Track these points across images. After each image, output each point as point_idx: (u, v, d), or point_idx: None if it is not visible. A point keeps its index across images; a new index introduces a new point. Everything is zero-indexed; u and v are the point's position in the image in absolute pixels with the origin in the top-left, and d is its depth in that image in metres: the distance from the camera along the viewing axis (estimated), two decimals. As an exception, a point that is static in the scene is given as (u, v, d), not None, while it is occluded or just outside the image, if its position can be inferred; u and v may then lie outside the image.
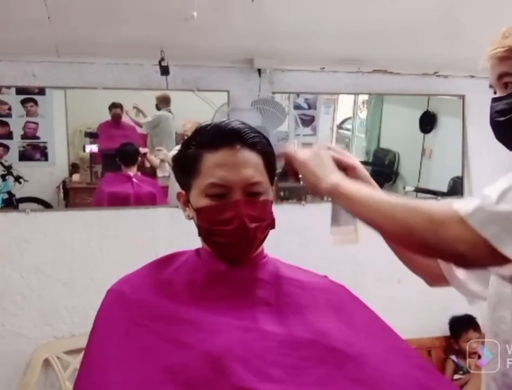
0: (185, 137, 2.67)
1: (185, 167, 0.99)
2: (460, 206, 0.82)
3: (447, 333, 2.76)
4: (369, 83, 2.80)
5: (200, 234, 1.00)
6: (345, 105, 3.23)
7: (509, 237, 0.75)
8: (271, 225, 0.99)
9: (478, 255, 0.78)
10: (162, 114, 2.77)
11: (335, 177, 0.96)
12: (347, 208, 0.95)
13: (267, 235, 1.00)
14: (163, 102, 2.75)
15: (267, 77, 2.56)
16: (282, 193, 2.88)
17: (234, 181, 0.93)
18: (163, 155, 2.69)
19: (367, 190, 0.94)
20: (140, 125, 2.78)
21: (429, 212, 0.83)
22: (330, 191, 0.96)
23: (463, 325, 2.66)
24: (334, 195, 0.96)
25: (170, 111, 2.77)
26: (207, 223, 0.96)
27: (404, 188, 3.08)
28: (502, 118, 0.97)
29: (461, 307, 2.53)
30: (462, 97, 2.86)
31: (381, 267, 2.63)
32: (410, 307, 2.61)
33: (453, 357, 2.68)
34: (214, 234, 0.96)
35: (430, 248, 0.84)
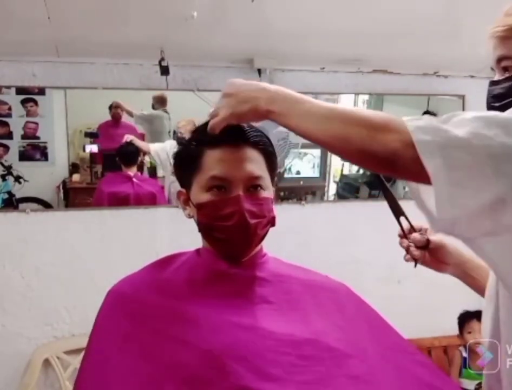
0: (179, 135, 2.70)
1: (186, 164, 0.99)
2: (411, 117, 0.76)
3: (447, 333, 2.76)
4: (369, 83, 2.80)
5: (200, 230, 1.00)
6: (345, 105, 3.24)
7: (437, 151, 0.70)
8: (272, 222, 0.99)
9: (407, 158, 0.72)
10: (157, 113, 2.78)
11: (266, 95, 0.86)
12: (284, 125, 0.86)
13: (267, 232, 1.00)
14: (159, 102, 2.75)
15: (267, 77, 2.56)
16: (282, 193, 2.88)
17: (235, 176, 0.94)
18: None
19: (302, 104, 0.83)
20: (131, 115, 2.78)
21: (366, 118, 0.76)
22: (269, 113, 0.86)
23: (467, 316, 2.63)
24: (273, 117, 0.86)
25: (166, 111, 2.77)
26: (207, 219, 0.96)
27: (404, 188, 3.08)
28: (497, 104, 0.93)
29: (462, 307, 2.54)
30: (462, 97, 2.86)
31: (381, 267, 2.63)
32: (410, 307, 2.61)
33: (462, 349, 2.65)
34: (214, 229, 0.96)
35: (367, 155, 0.76)
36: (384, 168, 0.77)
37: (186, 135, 2.67)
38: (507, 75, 0.91)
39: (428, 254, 1.06)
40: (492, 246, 0.80)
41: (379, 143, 0.74)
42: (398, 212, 1.03)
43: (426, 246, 1.04)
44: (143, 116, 2.79)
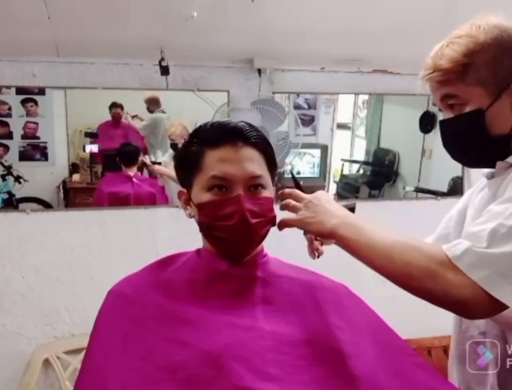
0: (171, 141, 2.71)
1: (187, 164, 0.99)
2: (449, 247, 0.78)
3: (447, 333, 2.75)
4: (369, 83, 2.80)
5: (201, 230, 1.00)
6: (345, 105, 3.24)
7: (501, 280, 0.72)
8: (272, 222, 0.99)
9: (477, 300, 0.74)
10: (157, 116, 2.77)
11: (335, 220, 0.94)
12: (348, 251, 0.94)
13: (267, 231, 1.00)
14: (153, 104, 2.75)
15: (267, 77, 2.56)
16: (282, 193, 2.88)
17: (235, 175, 0.94)
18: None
19: (367, 231, 0.90)
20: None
21: (427, 254, 0.79)
22: (331, 235, 0.95)
23: None
24: (336, 238, 0.94)
25: (163, 112, 2.77)
26: (208, 219, 0.96)
27: (404, 188, 3.08)
28: (457, 140, 0.96)
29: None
30: (462, 97, 2.87)
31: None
32: (410, 307, 2.60)
33: None
34: (215, 229, 0.96)
35: (430, 293, 0.80)
36: (453, 311, 0.81)
37: (178, 140, 2.69)
38: (456, 112, 0.93)
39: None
40: None
41: (440, 283, 0.77)
42: None
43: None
44: (146, 126, 2.79)
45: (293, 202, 0.99)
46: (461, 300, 0.75)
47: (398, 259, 0.81)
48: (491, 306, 0.73)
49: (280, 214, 1.02)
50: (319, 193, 1.00)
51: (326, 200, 0.98)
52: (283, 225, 1.00)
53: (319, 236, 1.02)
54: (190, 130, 2.66)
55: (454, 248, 0.77)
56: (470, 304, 0.75)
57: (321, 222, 0.94)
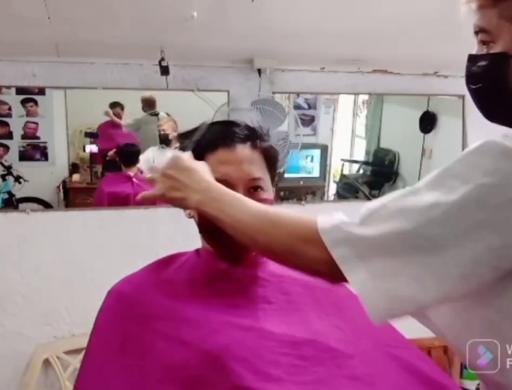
0: (162, 132, 2.69)
1: None
2: (323, 219, 0.76)
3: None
4: (369, 83, 2.80)
5: (201, 231, 1.00)
6: (345, 105, 3.24)
7: (356, 261, 0.70)
8: None
9: (333, 276, 0.74)
10: (142, 119, 2.76)
11: (198, 196, 0.86)
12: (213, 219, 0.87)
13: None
14: (147, 105, 2.74)
15: (267, 77, 2.56)
16: (282, 193, 2.88)
17: (236, 177, 0.94)
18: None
19: (232, 206, 0.84)
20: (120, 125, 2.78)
21: (288, 230, 0.77)
22: (198, 211, 0.90)
23: None
24: (203, 215, 0.89)
25: (155, 114, 2.76)
26: (208, 220, 0.96)
27: (404, 188, 3.09)
28: (473, 86, 0.84)
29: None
30: (462, 97, 2.86)
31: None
32: (410, 307, 2.61)
33: None
34: (215, 231, 0.96)
35: (296, 268, 0.79)
36: (308, 274, 0.80)
37: (170, 132, 2.68)
38: (485, 50, 0.81)
39: None
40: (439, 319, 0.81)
41: (301, 260, 0.76)
42: None
43: None
44: (130, 125, 2.78)
45: (149, 175, 0.94)
46: (321, 275, 0.77)
47: (260, 238, 0.79)
48: (346, 281, 0.73)
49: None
50: (174, 158, 0.91)
51: (183, 168, 0.89)
52: (142, 200, 0.94)
53: (186, 207, 0.93)
54: (179, 127, 2.69)
55: (326, 221, 0.75)
56: (327, 278, 0.77)
57: (182, 198, 0.88)
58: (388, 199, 0.74)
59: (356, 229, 0.72)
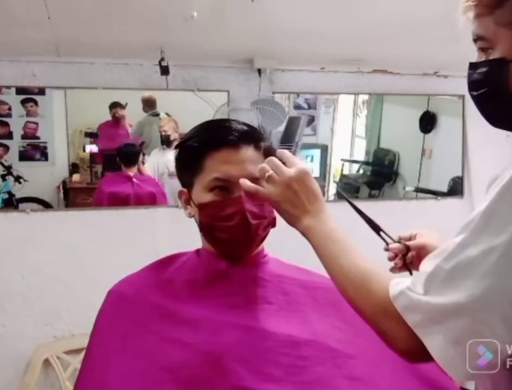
0: (163, 133, 2.69)
1: (188, 164, 1.00)
2: (393, 285, 0.75)
3: None
4: (369, 83, 2.80)
5: (202, 230, 1.00)
6: (345, 105, 3.24)
7: (432, 326, 0.69)
8: (273, 224, 0.99)
9: (413, 351, 0.73)
10: (144, 121, 2.76)
11: (310, 222, 0.85)
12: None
13: (267, 233, 1.00)
14: (148, 105, 2.73)
15: (267, 77, 2.56)
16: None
17: (237, 177, 0.94)
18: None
19: (336, 248, 0.83)
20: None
21: (375, 298, 0.76)
22: (301, 233, 0.87)
23: None
24: (304, 237, 0.87)
25: (156, 114, 2.75)
26: (209, 219, 0.96)
27: (404, 188, 3.08)
28: (475, 93, 0.85)
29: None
30: (462, 97, 2.86)
31: (381, 267, 2.62)
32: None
33: None
34: (215, 230, 0.97)
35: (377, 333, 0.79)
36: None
37: (171, 133, 2.68)
38: (484, 57, 0.82)
39: (413, 258, 1.04)
40: None
41: (383, 332, 0.76)
42: (375, 229, 1.02)
43: (407, 252, 1.04)
44: (135, 131, 2.78)
45: (271, 172, 0.87)
46: (399, 351, 0.76)
47: (350, 295, 0.80)
48: (424, 356, 0.71)
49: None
50: (304, 173, 0.86)
51: (309, 188, 0.86)
52: (254, 192, 0.88)
53: (293, 226, 0.89)
54: (180, 127, 2.69)
55: (395, 288, 0.74)
56: (406, 355, 0.76)
57: (294, 216, 0.86)
58: (440, 256, 0.73)
59: (422, 298, 0.71)
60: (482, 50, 0.82)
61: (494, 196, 0.70)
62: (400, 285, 0.74)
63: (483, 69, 0.82)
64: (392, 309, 0.73)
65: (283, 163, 0.88)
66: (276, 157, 0.89)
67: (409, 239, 1.03)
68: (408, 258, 1.02)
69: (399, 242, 1.02)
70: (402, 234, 1.04)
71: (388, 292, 0.75)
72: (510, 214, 0.68)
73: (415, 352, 0.72)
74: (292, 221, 0.86)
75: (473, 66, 0.85)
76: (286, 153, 0.89)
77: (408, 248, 1.02)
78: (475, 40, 0.83)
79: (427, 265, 0.74)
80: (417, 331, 0.70)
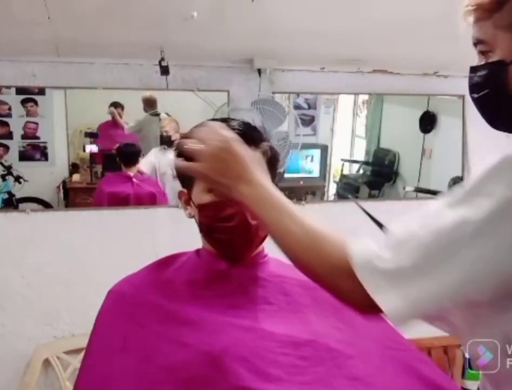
0: (165, 134, 2.69)
1: None
2: (357, 252, 0.75)
3: (447, 333, 2.76)
4: (369, 83, 2.80)
5: (202, 231, 1.00)
6: (345, 105, 3.24)
7: (391, 290, 0.71)
8: None
9: (365, 305, 0.73)
10: (144, 119, 2.76)
11: (246, 190, 0.81)
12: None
13: (267, 234, 1.00)
14: (148, 105, 2.73)
15: (267, 77, 2.56)
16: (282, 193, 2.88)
17: None
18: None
19: (275, 213, 0.80)
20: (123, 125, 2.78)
21: (329, 257, 0.76)
22: (242, 202, 0.83)
23: None
24: (246, 206, 0.83)
25: (156, 114, 2.76)
26: (209, 220, 0.96)
27: (404, 188, 3.08)
28: (475, 95, 0.87)
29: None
30: (462, 97, 2.86)
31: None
32: (410, 307, 2.61)
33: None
34: (215, 230, 0.97)
35: (330, 293, 0.80)
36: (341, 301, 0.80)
37: (172, 133, 2.68)
38: (484, 60, 0.84)
39: None
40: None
41: (338, 289, 0.77)
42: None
43: None
44: (132, 127, 2.78)
45: (196, 146, 0.82)
46: (353, 305, 0.77)
47: (298, 255, 0.78)
48: (379, 310, 0.73)
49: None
50: (229, 141, 0.82)
51: (238, 155, 0.82)
52: (186, 169, 0.85)
53: (229, 196, 0.85)
54: (180, 127, 2.69)
55: (359, 254, 0.75)
56: (360, 308, 0.77)
57: (228, 185, 0.81)
58: (412, 223, 0.75)
59: (388, 263, 0.72)
60: (482, 53, 0.84)
61: (479, 174, 0.72)
62: (365, 252, 0.74)
63: (482, 72, 0.84)
64: (349, 269, 0.74)
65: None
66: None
67: None
68: None
69: None
70: None
71: (343, 254, 0.75)
72: (489, 192, 0.69)
73: (371, 306, 0.73)
74: (227, 191, 0.82)
75: (473, 69, 0.87)
76: (203, 130, 0.85)
77: None
78: (475, 44, 0.85)
79: (400, 228, 0.76)
80: (375, 296, 0.71)
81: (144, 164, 2.70)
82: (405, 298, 0.70)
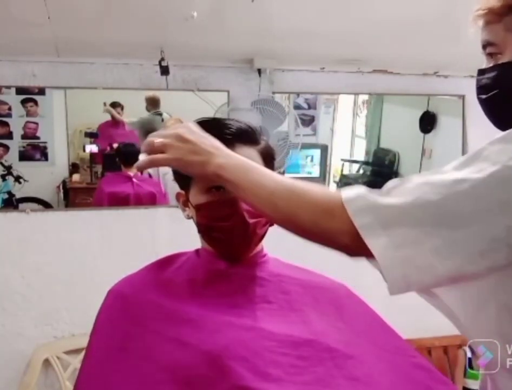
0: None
1: None
2: (348, 191, 0.75)
3: (447, 333, 2.75)
4: (369, 83, 2.80)
5: (200, 231, 1.00)
6: (345, 105, 3.24)
7: (378, 229, 0.70)
8: (271, 222, 0.99)
9: (359, 245, 0.72)
10: (146, 118, 2.76)
11: (220, 160, 0.81)
12: (232, 191, 0.84)
13: (266, 231, 1.00)
14: (151, 104, 2.73)
15: (267, 77, 2.56)
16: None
17: None
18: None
19: (254, 174, 0.80)
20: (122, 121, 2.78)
21: (313, 201, 0.75)
22: (216, 177, 0.82)
23: None
24: (221, 182, 0.83)
25: (159, 114, 2.76)
26: (207, 220, 0.96)
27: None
28: (484, 96, 0.88)
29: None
30: (462, 97, 2.86)
31: (381, 267, 2.61)
32: (410, 307, 2.60)
33: (466, 349, 2.63)
34: (213, 230, 0.97)
35: (316, 240, 0.77)
36: (339, 251, 0.77)
37: None
38: (492, 63, 0.86)
39: None
40: (452, 300, 0.81)
41: (324, 231, 0.75)
42: None
43: None
44: (132, 124, 2.78)
45: (158, 140, 0.82)
46: (342, 247, 0.75)
47: (283, 205, 0.77)
48: (366, 252, 0.72)
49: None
50: (189, 124, 0.84)
51: (203, 135, 0.83)
52: (149, 163, 0.84)
53: (200, 178, 0.87)
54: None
55: (351, 192, 0.75)
56: (349, 250, 0.75)
57: (201, 161, 0.80)
58: (413, 176, 0.76)
59: (380, 199, 0.73)
60: (491, 55, 0.86)
61: (488, 142, 0.74)
62: (357, 190, 0.75)
63: (492, 74, 0.86)
64: (335, 208, 0.73)
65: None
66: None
67: None
68: None
69: None
70: None
71: (330, 196, 0.75)
72: (494, 159, 0.70)
73: (358, 247, 0.72)
74: (201, 168, 0.81)
75: (481, 72, 0.89)
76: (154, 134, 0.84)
77: None
78: (484, 47, 0.87)
79: (397, 178, 0.78)
80: (363, 233, 0.71)
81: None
82: (395, 243, 0.70)
